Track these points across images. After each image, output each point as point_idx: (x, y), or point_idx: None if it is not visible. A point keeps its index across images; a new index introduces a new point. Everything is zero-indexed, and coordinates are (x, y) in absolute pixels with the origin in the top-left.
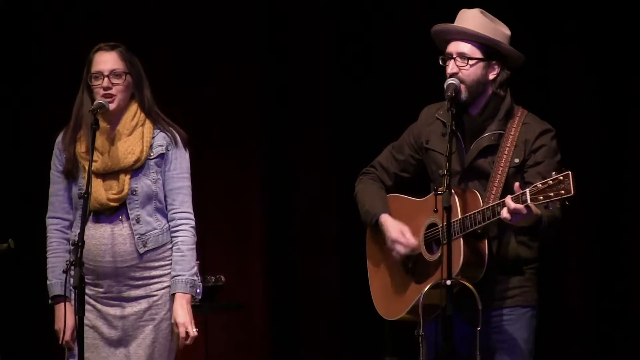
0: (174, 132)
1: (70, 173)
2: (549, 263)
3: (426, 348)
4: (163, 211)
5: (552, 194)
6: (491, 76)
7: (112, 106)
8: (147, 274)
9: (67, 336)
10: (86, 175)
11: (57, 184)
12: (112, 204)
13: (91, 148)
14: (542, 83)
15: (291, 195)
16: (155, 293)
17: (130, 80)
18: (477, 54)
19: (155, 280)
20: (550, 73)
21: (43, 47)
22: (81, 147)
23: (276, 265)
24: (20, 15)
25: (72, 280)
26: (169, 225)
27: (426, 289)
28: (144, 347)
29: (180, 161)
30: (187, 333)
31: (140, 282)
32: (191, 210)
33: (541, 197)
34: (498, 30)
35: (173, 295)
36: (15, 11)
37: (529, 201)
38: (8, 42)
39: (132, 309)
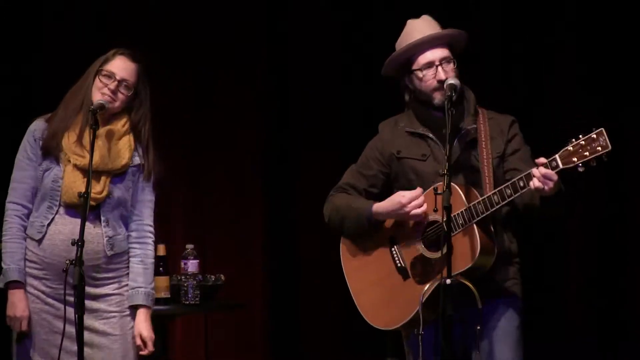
0: (148, 158)
1: (49, 153)
2: (548, 261)
3: (424, 348)
4: (126, 220)
5: (587, 153)
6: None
7: (110, 105)
8: (105, 275)
9: (24, 325)
10: (65, 167)
11: (23, 171)
12: (90, 202)
13: (91, 149)
14: (541, 85)
15: (291, 195)
16: (115, 291)
17: (133, 96)
18: (452, 55)
19: (114, 280)
20: (549, 74)
21: (43, 50)
22: (70, 139)
23: (276, 265)
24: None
25: (71, 279)
26: (130, 235)
27: (426, 287)
28: (112, 340)
29: (153, 175)
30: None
31: (99, 282)
32: (153, 225)
33: (575, 159)
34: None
35: (133, 306)
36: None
37: (561, 166)
38: (8, 44)
39: (91, 305)
